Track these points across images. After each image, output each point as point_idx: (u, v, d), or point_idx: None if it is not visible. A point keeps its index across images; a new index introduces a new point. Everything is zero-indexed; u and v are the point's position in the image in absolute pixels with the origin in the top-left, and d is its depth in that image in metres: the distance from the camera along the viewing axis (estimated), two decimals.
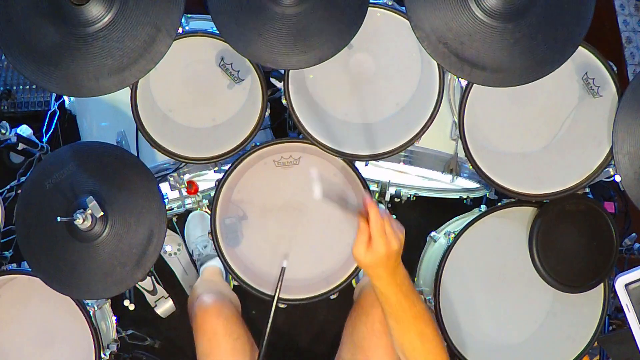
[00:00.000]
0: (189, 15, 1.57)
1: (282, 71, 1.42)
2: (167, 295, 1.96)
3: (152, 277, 1.84)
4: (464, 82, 1.40)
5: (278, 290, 1.35)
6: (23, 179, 1.77)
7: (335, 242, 1.54)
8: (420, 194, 1.83)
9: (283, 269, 1.35)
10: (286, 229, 1.54)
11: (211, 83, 1.49)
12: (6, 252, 1.56)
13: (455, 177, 1.59)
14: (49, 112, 2.02)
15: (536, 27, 1.24)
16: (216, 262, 1.97)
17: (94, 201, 1.22)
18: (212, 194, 1.50)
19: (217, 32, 1.38)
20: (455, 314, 1.54)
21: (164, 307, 1.96)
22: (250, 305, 1.85)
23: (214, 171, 1.61)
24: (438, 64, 1.39)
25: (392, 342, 1.20)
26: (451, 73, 1.31)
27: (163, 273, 2.00)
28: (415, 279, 1.73)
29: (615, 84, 1.40)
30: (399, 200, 1.84)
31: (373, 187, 1.78)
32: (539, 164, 1.50)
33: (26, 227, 1.31)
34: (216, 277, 1.90)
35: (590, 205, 1.50)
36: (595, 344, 1.54)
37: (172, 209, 1.84)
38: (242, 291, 1.54)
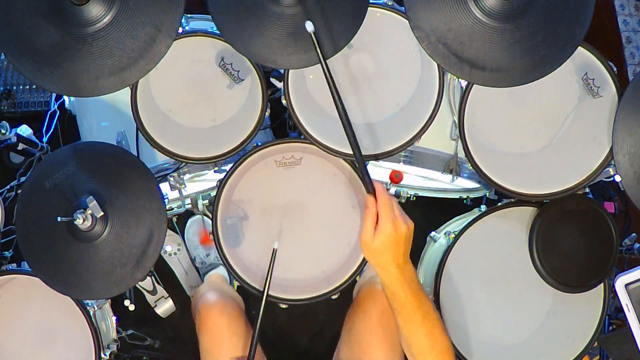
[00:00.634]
0: (189, 15, 1.57)
1: (282, 71, 1.42)
2: (167, 295, 1.97)
3: (152, 277, 1.84)
4: (464, 82, 1.39)
5: (270, 271, 1.33)
6: (23, 179, 1.76)
7: (336, 242, 1.54)
8: (420, 194, 1.83)
9: (274, 251, 1.32)
10: (287, 229, 1.54)
11: (211, 83, 1.49)
12: (6, 252, 1.56)
13: (455, 177, 1.59)
14: (49, 112, 2.02)
15: (536, 27, 1.24)
16: (220, 271, 1.98)
17: (94, 201, 1.22)
18: (212, 193, 1.50)
19: (217, 32, 1.38)
20: (455, 314, 1.54)
21: (164, 307, 1.97)
22: (251, 305, 1.85)
23: (214, 171, 1.61)
24: (438, 64, 1.39)
25: (399, 339, 1.20)
26: (451, 73, 1.31)
27: (163, 273, 2.00)
28: None
29: (615, 84, 1.40)
30: (399, 200, 1.83)
31: None
32: (539, 164, 1.50)
33: (26, 227, 1.31)
34: (220, 281, 1.91)
35: (590, 205, 1.50)
36: (595, 344, 1.54)
37: (172, 209, 1.84)
38: (244, 292, 1.54)
